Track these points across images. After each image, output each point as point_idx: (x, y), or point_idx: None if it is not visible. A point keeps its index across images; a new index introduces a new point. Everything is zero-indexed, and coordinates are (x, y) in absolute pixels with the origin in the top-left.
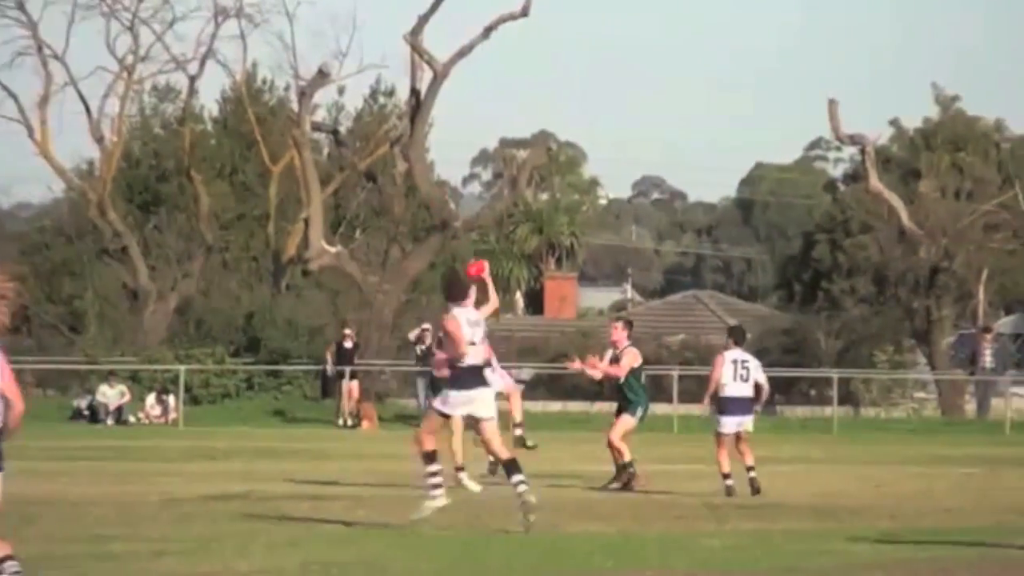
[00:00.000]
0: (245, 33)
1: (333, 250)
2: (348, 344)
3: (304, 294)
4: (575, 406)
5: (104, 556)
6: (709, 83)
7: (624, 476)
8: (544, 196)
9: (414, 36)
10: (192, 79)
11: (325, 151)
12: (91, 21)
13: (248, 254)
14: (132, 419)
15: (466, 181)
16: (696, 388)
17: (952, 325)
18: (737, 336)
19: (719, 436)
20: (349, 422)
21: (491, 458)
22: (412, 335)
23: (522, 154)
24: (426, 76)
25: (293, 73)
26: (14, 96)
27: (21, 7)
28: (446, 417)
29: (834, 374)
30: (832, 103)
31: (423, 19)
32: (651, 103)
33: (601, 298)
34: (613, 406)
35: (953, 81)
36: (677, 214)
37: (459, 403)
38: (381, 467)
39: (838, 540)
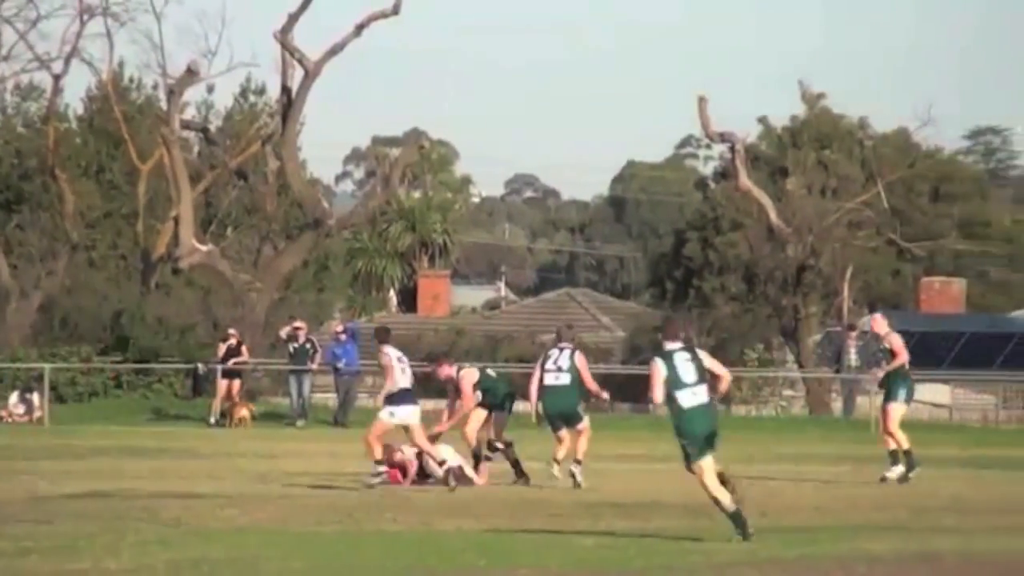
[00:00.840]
0: (111, 31)
1: (204, 248)
2: (233, 343)
3: (174, 292)
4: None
5: None
6: (581, 80)
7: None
8: (417, 194)
9: (284, 34)
10: (57, 78)
11: (195, 149)
12: None
13: (116, 252)
14: None
15: (339, 179)
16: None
17: (818, 323)
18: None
19: None
20: (219, 419)
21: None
22: (283, 332)
23: (394, 152)
24: (297, 74)
25: (161, 71)
26: None
27: None
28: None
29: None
30: (702, 100)
31: (293, 17)
32: (523, 101)
33: (474, 296)
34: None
35: (819, 78)
36: (550, 212)
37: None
38: (251, 466)
39: (710, 538)
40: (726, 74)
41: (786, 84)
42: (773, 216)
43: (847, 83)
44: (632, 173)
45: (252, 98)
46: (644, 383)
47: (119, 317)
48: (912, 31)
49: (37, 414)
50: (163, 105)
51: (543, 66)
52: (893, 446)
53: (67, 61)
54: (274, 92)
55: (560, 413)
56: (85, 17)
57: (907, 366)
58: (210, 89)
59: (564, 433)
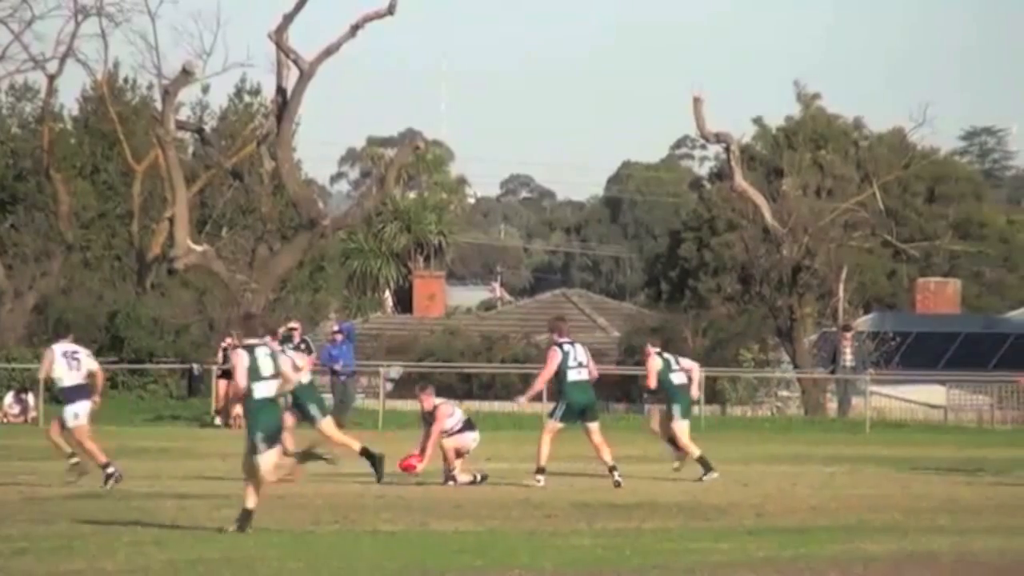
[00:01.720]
0: (106, 32)
1: (199, 249)
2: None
3: (170, 293)
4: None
5: None
6: (577, 81)
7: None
8: (412, 195)
9: (279, 34)
10: (51, 78)
11: (191, 150)
12: None
13: (111, 253)
14: None
15: (334, 180)
16: None
17: (814, 323)
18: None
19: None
20: (218, 421)
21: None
22: (283, 329)
23: (389, 153)
24: (292, 74)
25: (156, 72)
26: None
27: None
28: None
29: (701, 372)
30: (697, 101)
31: (288, 17)
32: (519, 101)
33: (470, 296)
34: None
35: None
36: (545, 212)
37: None
38: None
39: (706, 538)
40: (722, 74)
41: (782, 85)
42: (768, 217)
43: (843, 83)
44: (628, 173)
45: (247, 98)
46: (636, 382)
47: (114, 317)
48: (908, 31)
49: (32, 415)
50: (158, 105)
51: (539, 66)
52: None
53: (62, 61)
54: (269, 92)
55: (587, 405)
56: (80, 18)
57: None
58: (205, 89)
59: (554, 436)
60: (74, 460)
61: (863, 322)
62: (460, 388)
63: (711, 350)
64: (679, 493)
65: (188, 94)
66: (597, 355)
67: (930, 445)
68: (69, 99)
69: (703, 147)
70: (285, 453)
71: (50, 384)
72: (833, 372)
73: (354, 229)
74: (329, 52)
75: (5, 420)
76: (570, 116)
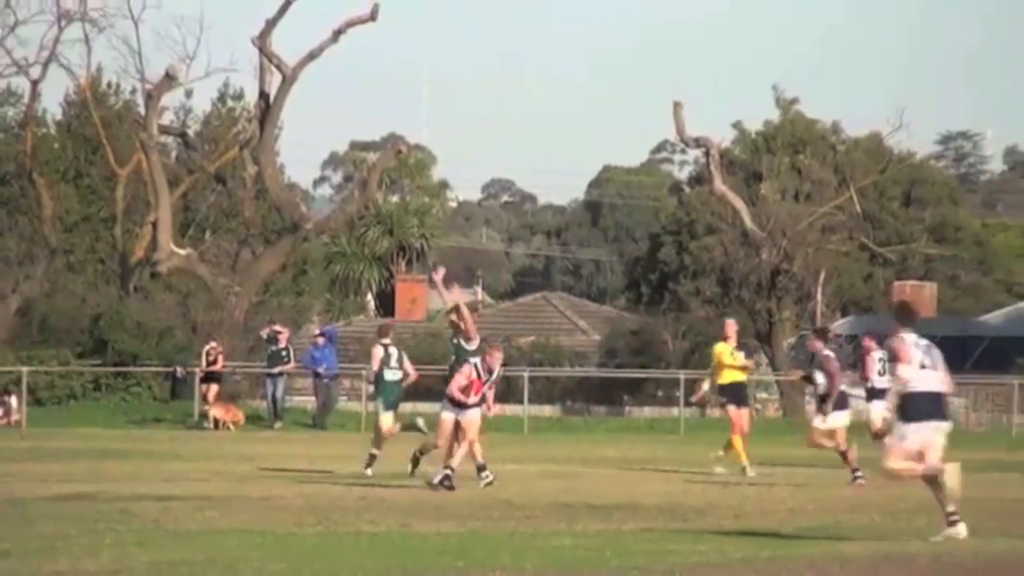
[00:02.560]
0: (90, 37)
1: (183, 252)
2: (211, 355)
3: (153, 296)
4: (425, 408)
5: None
6: (557, 85)
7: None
8: (394, 199)
9: (262, 39)
10: (35, 83)
11: (174, 154)
12: None
13: (94, 256)
14: None
15: (316, 184)
16: (546, 388)
17: (792, 326)
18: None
19: None
20: (207, 424)
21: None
22: (264, 332)
23: (372, 157)
24: (275, 79)
25: (139, 76)
26: None
27: None
28: None
29: (681, 375)
30: (677, 106)
31: (271, 23)
32: (500, 106)
33: (452, 300)
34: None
35: (793, 83)
36: (527, 216)
37: None
38: (230, 468)
39: (685, 540)
40: (702, 79)
41: (761, 89)
42: (747, 220)
43: (821, 88)
44: (608, 178)
45: (230, 103)
46: (616, 385)
47: (97, 320)
48: (885, 36)
49: (15, 417)
50: (141, 110)
51: (520, 71)
52: None
53: (45, 66)
54: (252, 97)
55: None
56: (63, 23)
57: None
58: (188, 94)
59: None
60: None
61: (840, 325)
62: (442, 389)
63: (690, 353)
64: (659, 495)
65: (171, 99)
66: (578, 358)
67: None
68: (52, 104)
69: (683, 151)
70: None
71: None
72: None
73: (337, 233)
74: (312, 57)
75: None
76: (551, 121)
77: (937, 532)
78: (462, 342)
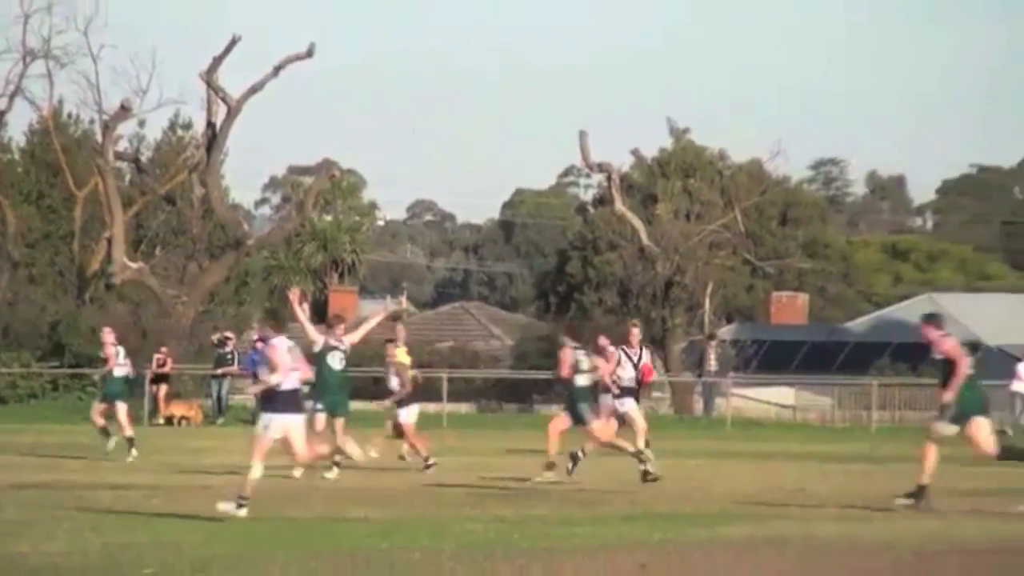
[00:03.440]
0: (52, 72)
1: (135, 266)
2: (161, 359)
3: (107, 305)
4: (355, 405)
5: None
6: (475, 116)
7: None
8: (328, 218)
9: (209, 75)
10: (1, 114)
11: (127, 178)
12: None
13: (54, 269)
14: None
15: (258, 204)
16: (463, 388)
17: (683, 333)
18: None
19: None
20: (161, 421)
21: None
22: (215, 337)
23: (308, 180)
24: (221, 110)
25: (97, 108)
26: None
27: None
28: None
29: None
30: (583, 134)
31: (217, 60)
32: (425, 133)
33: (379, 309)
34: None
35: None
36: (447, 234)
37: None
38: (176, 460)
39: (586, 523)
40: (604, 109)
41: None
42: (644, 238)
43: (709, 118)
44: (520, 199)
45: (180, 132)
46: (527, 385)
47: (56, 327)
48: (764, 71)
49: None
50: (98, 138)
51: (443, 101)
52: None
53: (11, 99)
54: (200, 126)
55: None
56: (28, 60)
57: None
58: (141, 124)
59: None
60: None
61: (726, 331)
62: (368, 389)
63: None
64: (564, 483)
65: (126, 128)
66: (493, 361)
67: (782, 441)
68: (17, 132)
69: (587, 176)
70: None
71: None
72: (699, 376)
73: (275, 248)
74: (254, 90)
75: None
76: (469, 147)
77: (803, 518)
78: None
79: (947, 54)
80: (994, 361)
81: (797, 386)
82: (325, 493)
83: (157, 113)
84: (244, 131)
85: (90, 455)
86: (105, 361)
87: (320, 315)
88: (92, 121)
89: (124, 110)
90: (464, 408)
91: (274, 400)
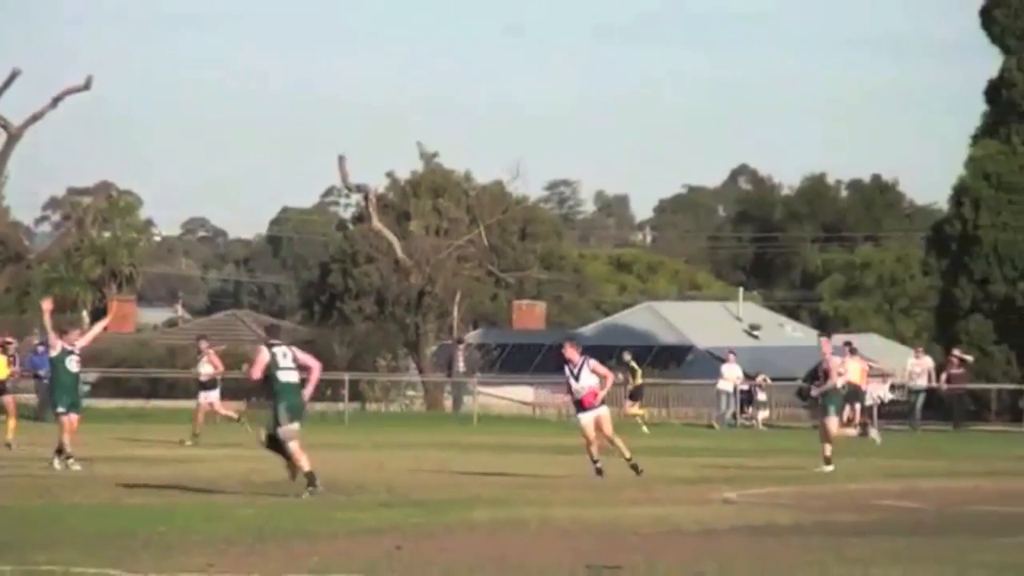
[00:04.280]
0: None
1: None
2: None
3: None
4: (133, 403)
5: None
6: (243, 138)
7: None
8: (107, 234)
9: None
10: None
11: None
12: None
13: None
14: None
15: (39, 222)
16: (235, 389)
17: (435, 337)
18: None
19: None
20: None
21: None
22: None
23: (87, 200)
24: (2, 137)
25: None
26: None
27: None
28: None
29: (346, 376)
30: (341, 159)
31: None
32: (198, 155)
33: (157, 315)
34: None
35: (433, 139)
36: (219, 248)
37: None
38: None
39: (348, 509)
40: (361, 134)
41: (409, 144)
42: (399, 251)
43: (455, 142)
44: (287, 217)
45: None
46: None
47: None
48: (503, 96)
49: None
50: None
51: (214, 127)
52: None
53: None
54: None
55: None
56: None
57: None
58: None
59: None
60: None
61: (473, 336)
62: (147, 388)
63: (355, 358)
64: (326, 473)
65: None
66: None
67: (523, 434)
68: None
69: (347, 195)
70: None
71: None
72: (449, 376)
73: (55, 262)
74: (34, 119)
75: None
76: (240, 168)
77: (541, 502)
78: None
79: (665, 81)
80: (703, 362)
81: (536, 385)
82: (111, 481)
83: None
84: (25, 155)
85: None
86: None
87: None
88: None
89: None
90: (235, 406)
91: None
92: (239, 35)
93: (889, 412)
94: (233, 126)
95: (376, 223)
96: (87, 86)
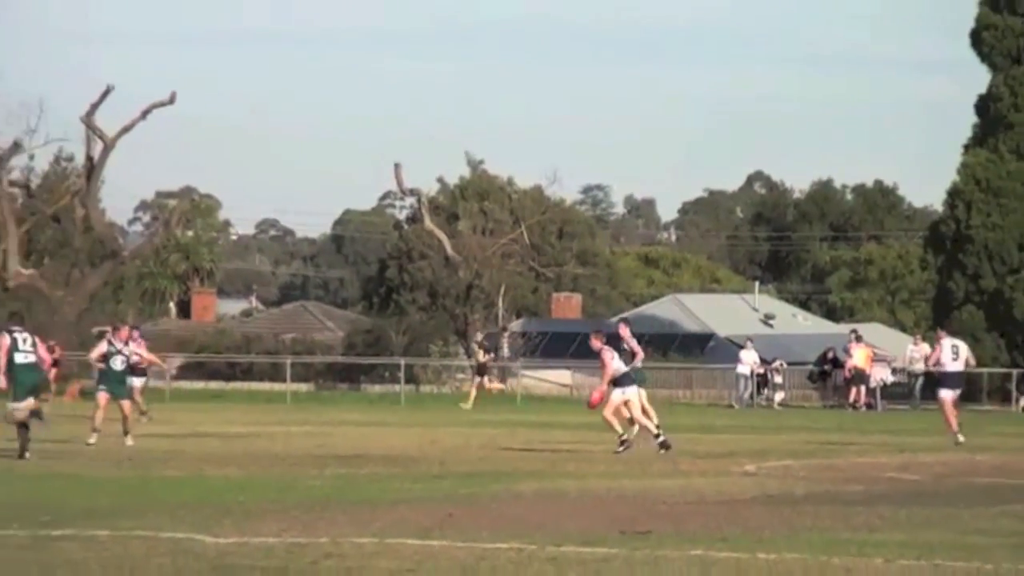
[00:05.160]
0: None
1: (27, 272)
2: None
3: (4, 304)
4: (214, 384)
5: None
6: (310, 146)
7: None
8: (190, 233)
9: (88, 118)
10: None
11: (20, 201)
12: None
13: None
14: None
15: (131, 222)
16: (303, 371)
17: (482, 326)
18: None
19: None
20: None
21: None
22: (96, 330)
23: (172, 203)
24: (98, 146)
25: None
26: None
27: None
28: None
29: (402, 361)
30: (397, 166)
31: (95, 105)
32: (269, 164)
33: (234, 306)
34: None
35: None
36: (289, 245)
37: None
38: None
39: (404, 480)
40: (416, 144)
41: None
42: (449, 249)
43: (500, 151)
44: (349, 218)
45: (64, 163)
46: (356, 368)
47: None
48: (542, 106)
49: None
50: None
51: (284, 137)
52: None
53: None
54: (81, 159)
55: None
56: None
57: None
58: (31, 157)
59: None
60: None
61: (515, 324)
62: (226, 372)
63: (410, 344)
64: (383, 448)
65: (18, 160)
66: (328, 348)
67: (562, 414)
68: None
69: (402, 199)
70: None
71: None
72: (495, 360)
73: (146, 259)
74: (125, 130)
75: None
76: (307, 174)
77: (578, 474)
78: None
79: (688, 95)
80: (724, 348)
81: (573, 369)
82: (193, 455)
83: (45, 149)
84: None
85: None
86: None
87: (185, 312)
88: None
89: (16, 147)
90: (304, 387)
91: None
92: (308, 55)
93: (891, 393)
94: (301, 137)
95: (428, 223)
96: (172, 101)
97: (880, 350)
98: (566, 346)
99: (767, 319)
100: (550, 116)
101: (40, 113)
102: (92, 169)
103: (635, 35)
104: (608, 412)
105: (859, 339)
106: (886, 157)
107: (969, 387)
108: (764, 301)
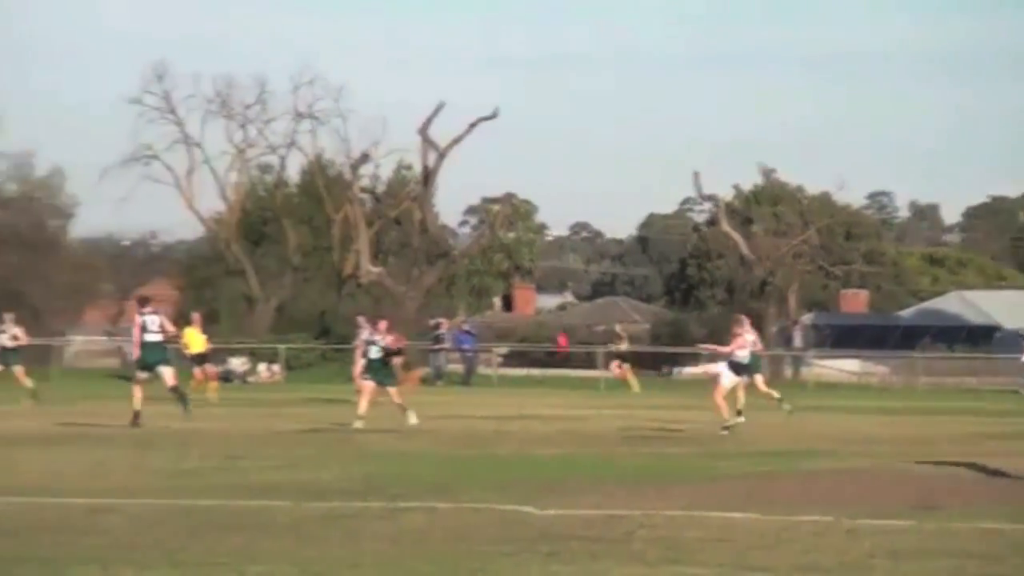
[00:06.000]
0: (315, 130)
1: (376, 270)
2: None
3: (356, 298)
4: (535, 371)
5: None
6: (617, 157)
7: None
8: (511, 234)
9: (423, 132)
10: (282, 159)
11: (368, 205)
12: (217, 121)
13: (321, 273)
14: (251, 380)
15: (460, 225)
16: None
17: (775, 318)
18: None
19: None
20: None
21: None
22: (432, 322)
23: (495, 207)
24: (432, 156)
25: (346, 155)
26: (171, 170)
27: (173, 112)
28: None
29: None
30: (696, 175)
31: (428, 121)
32: (580, 173)
33: (550, 301)
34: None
35: (773, 158)
36: (599, 246)
37: None
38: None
39: (707, 458)
40: (712, 154)
41: (751, 163)
42: (744, 249)
43: (790, 160)
44: (652, 221)
45: (403, 172)
46: (661, 356)
47: (323, 314)
48: (827, 117)
49: (276, 377)
50: (347, 177)
51: (593, 147)
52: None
53: (288, 149)
54: (418, 168)
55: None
56: (298, 120)
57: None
58: (377, 166)
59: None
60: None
61: (806, 318)
62: (545, 360)
63: (709, 335)
64: (693, 429)
65: (366, 169)
66: (634, 339)
67: (851, 398)
68: (293, 172)
69: (701, 204)
70: None
71: None
72: (788, 350)
73: (473, 257)
74: (456, 141)
75: (260, 381)
76: (615, 181)
77: (870, 454)
78: None
79: (976, 108)
80: (1010, 339)
81: (861, 358)
82: (519, 437)
83: (388, 159)
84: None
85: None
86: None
87: (507, 306)
88: (343, 165)
89: (365, 157)
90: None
91: None
92: (619, 79)
93: None
94: (612, 148)
95: (725, 226)
96: (495, 115)
97: None
98: (854, 337)
99: None
100: (836, 127)
101: (383, 128)
102: (428, 176)
103: (921, 53)
104: (718, 396)
105: None
106: None
107: None
108: None
